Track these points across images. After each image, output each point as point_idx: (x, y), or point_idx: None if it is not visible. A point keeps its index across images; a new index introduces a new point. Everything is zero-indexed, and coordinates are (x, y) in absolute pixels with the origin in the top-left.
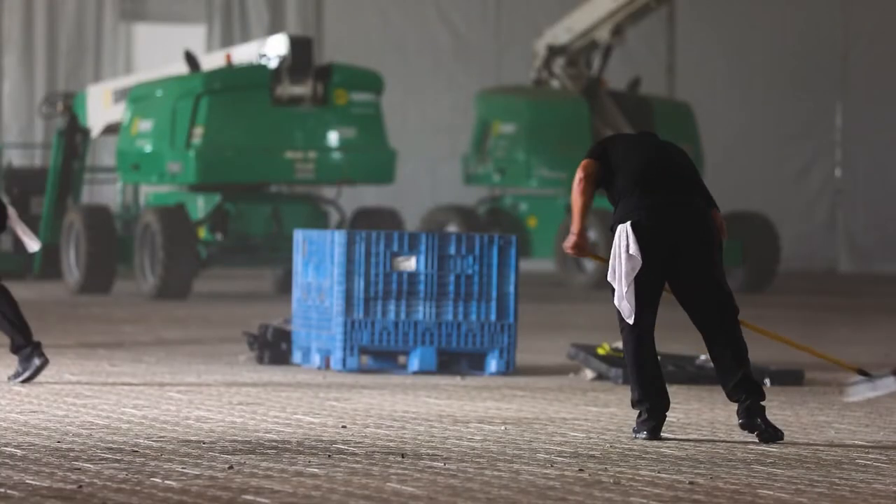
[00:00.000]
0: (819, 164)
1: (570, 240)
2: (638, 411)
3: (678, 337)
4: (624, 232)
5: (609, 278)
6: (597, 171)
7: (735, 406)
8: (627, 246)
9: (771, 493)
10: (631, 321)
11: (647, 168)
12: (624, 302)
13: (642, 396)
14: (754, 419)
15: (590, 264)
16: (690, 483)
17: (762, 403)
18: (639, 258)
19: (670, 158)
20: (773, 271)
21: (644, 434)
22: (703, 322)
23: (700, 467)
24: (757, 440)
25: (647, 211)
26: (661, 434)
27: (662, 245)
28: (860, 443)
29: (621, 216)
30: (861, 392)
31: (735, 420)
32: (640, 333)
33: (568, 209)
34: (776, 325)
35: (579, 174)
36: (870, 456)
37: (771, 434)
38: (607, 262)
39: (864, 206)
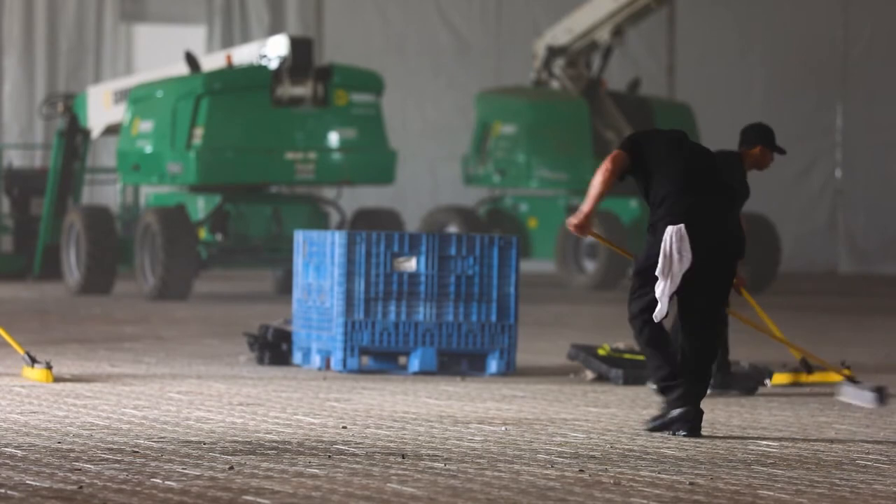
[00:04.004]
0: (819, 164)
1: (577, 216)
2: (670, 397)
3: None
4: (677, 233)
5: (657, 272)
6: (625, 164)
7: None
8: (680, 247)
9: (771, 493)
10: (659, 318)
11: (690, 170)
12: (665, 298)
13: (668, 382)
14: (669, 426)
15: (590, 265)
16: (691, 484)
17: (701, 409)
18: (689, 260)
19: (710, 162)
20: (774, 272)
21: (681, 410)
22: (686, 319)
23: (700, 468)
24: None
25: (693, 216)
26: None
27: (702, 249)
28: (860, 443)
29: (671, 217)
30: (846, 395)
31: (736, 421)
32: (653, 326)
33: (568, 209)
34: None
35: (607, 163)
36: (870, 456)
37: (692, 433)
38: (608, 242)
39: (865, 206)
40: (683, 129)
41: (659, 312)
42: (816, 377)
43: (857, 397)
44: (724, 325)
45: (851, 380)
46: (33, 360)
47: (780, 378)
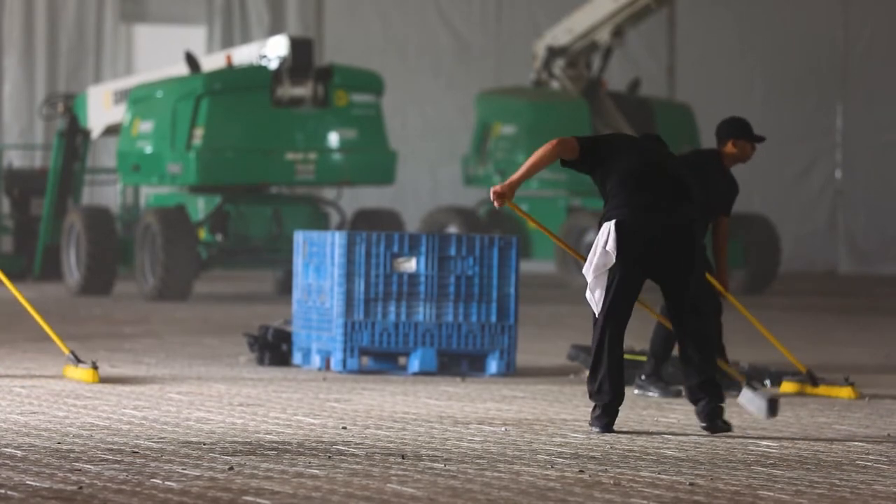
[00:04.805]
0: (819, 165)
1: (501, 186)
2: (594, 405)
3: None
4: (607, 229)
5: (584, 270)
6: (571, 151)
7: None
8: (606, 242)
9: (771, 494)
10: (597, 312)
11: (637, 168)
12: (591, 294)
13: (601, 392)
14: (715, 422)
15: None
16: (691, 484)
17: (721, 405)
18: (613, 255)
19: (663, 161)
20: (774, 272)
21: (597, 429)
22: (676, 321)
23: (700, 468)
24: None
25: (631, 210)
26: (615, 428)
27: (641, 245)
28: (860, 444)
29: (607, 213)
30: (743, 398)
31: (736, 421)
32: (610, 328)
33: (568, 209)
34: (776, 326)
35: (554, 141)
36: (870, 457)
37: (725, 429)
38: (527, 216)
39: (865, 207)
40: (654, 133)
41: (595, 307)
42: (822, 390)
43: (752, 403)
44: (718, 313)
45: (751, 385)
46: (78, 360)
47: (787, 387)
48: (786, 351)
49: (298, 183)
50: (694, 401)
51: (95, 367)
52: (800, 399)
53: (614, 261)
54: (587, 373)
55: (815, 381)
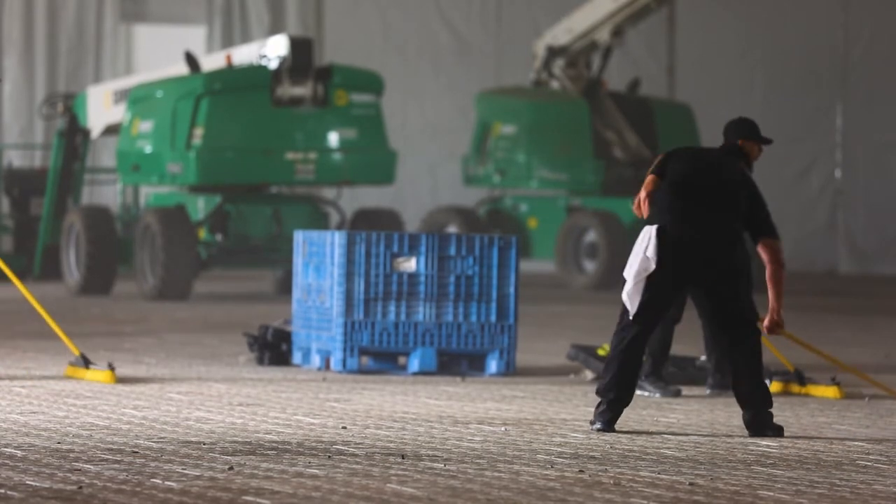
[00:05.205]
0: (819, 164)
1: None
2: (599, 400)
3: (678, 338)
4: (648, 234)
5: (625, 273)
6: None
7: (741, 408)
8: (646, 248)
9: (771, 493)
10: (631, 316)
11: (686, 178)
12: (627, 297)
13: (610, 388)
14: (764, 431)
15: (590, 265)
16: (691, 484)
17: (770, 411)
18: (654, 261)
19: (715, 174)
20: None
21: (599, 425)
22: (720, 334)
23: (700, 468)
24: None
25: (672, 217)
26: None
27: (680, 253)
28: (860, 443)
29: (650, 217)
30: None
31: (736, 421)
32: (635, 330)
33: (568, 209)
34: None
35: (641, 192)
36: (870, 457)
37: (777, 434)
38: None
39: (865, 207)
40: (732, 146)
41: (629, 310)
42: (808, 389)
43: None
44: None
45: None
46: (87, 362)
47: (774, 386)
48: (774, 349)
49: (298, 183)
50: (743, 407)
51: (112, 369)
52: (800, 399)
53: (654, 267)
54: (588, 372)
55: (802, 381)
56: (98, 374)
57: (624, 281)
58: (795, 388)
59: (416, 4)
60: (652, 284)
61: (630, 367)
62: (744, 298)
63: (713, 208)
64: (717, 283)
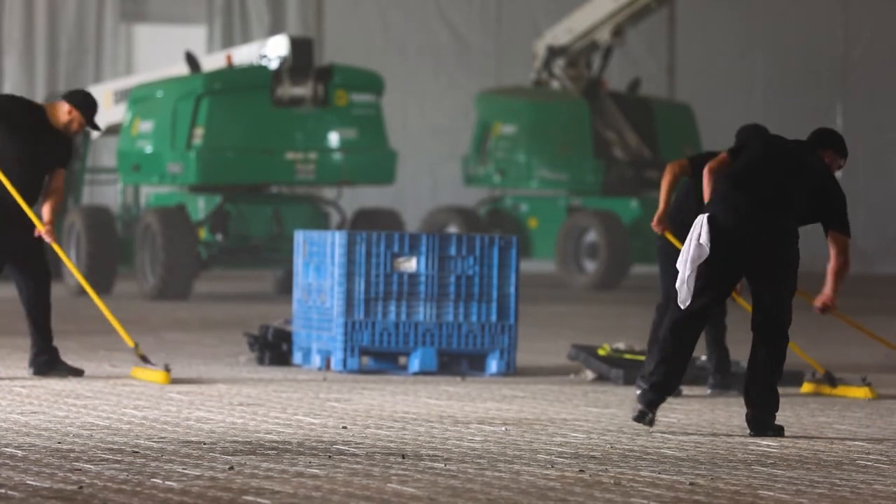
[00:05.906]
0: None
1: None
2: (645, 382)
3: None
4: (700, 222)
5: (678, 263)
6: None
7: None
8: (699, 235)
9: (771, 493)
10: (684, 306)
11: (753, 167)
12: (683, 286)
13: (655, 371)
14: (766, 430)
15: (590, 265)
16: (691, 484)
17: (774, 413)
18: (707, 248)
19: (788, 162)
20: None
21: (640, 406)
22: (753, 326)
23: (701, 468)
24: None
25: (724, 207)
26: (655, 419)
27: (731, 243)
28: (860, 443)
29: (706, 206)
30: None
31: (736, 421)
32: (689, 316)
33: (568, 209)
34: None
35: (710, 163)
36: (870, 457)
37: (778, 434)
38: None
39: (865, 207)
40: (809, 141)
41: (682, 300)
42: (840, 391)
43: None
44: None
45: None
46: (146, 361)
47: (806, 388)
48: (802, 353)
49: (298, 183)
50: (748, 405)
51: (168, 370)
52: (800, 399)
53: (707, 254)
54: (588, 372)
55: (833, 382)
56: (152, 375)
57: (676, 272)
58: (826, 389)
59: (416, 4)
60: (706, 271)
61: (681, 354)
62: (785, 302)
63: (769, 207)
64: (761, 281)
